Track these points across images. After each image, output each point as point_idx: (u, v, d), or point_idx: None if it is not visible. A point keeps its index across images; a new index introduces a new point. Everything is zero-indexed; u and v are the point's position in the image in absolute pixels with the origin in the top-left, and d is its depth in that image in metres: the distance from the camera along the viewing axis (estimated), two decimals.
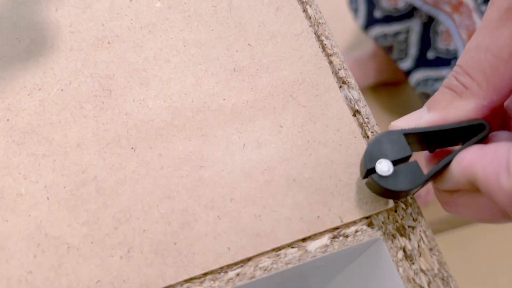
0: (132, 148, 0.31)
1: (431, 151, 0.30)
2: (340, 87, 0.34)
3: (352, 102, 0.33)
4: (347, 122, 0.32)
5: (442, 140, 0.29)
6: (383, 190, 0.28)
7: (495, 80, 0.25)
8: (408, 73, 1.04)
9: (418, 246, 0.30)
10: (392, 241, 0.30)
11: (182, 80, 0.33)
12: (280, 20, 0.36)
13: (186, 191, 0.30)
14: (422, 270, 0.29)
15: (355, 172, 0.31)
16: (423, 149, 0.30)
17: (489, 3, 0.25)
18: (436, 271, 0.29)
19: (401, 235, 0.30)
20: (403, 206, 0.31)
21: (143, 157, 0.31)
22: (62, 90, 0.32)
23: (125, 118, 0.32)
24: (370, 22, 1.09)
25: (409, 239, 0.30)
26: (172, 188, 0.30)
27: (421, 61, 1.00)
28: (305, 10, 0.37)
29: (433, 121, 0.27)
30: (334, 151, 0.32)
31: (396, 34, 1.06)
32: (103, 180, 0.30)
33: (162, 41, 0.34)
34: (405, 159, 0.28)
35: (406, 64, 1.04)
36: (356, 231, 0.30)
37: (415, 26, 1.01)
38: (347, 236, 0.30)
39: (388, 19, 1.05)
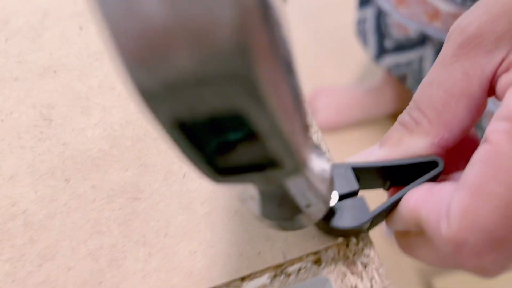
0: (66, 179, 0.29)
1: (386, 189, 0.27)
2: None
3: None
4: None
5: (396, 177, 0.26)
6: (328, 228, 0.25)
7: (447, 116, 0.23)
8: None
9: (371, 286, 0.26)
10: (341, 280, 0.26)
11: (125, 107, 0.31)
12: None
13: (118, 226, 0.27)
14: None
15: None
16: (377, 187, 0.27)
17: (446, 38, 0.23)
18: None
19: (352, 273, 0.26)
20: (355, 240, 0.27)
21: (76, 189, 0.28)
22: (2, 120, 0.30)
23: (62, 148, 0.29)
24: (381, 52, 1.05)
25: (361, 277, 0.26)
26: (103, 222, 0.27)
27: None
28: None
29: (382, 157, 0.25)
30: None
31: (410, 63, 1.02)
32: (32, 213, 0.27)
33: (108, 68, 0.32)
34: (352, 194, 0.25)
35: None
36: (300, 269, 0.26)
37: (428, 53, 0.97)
38: (289, 275, 0.26)
39: (400, 48, 1.01)
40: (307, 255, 0.26)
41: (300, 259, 0.26)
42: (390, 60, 1.03)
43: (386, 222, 0.26)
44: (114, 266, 0.26)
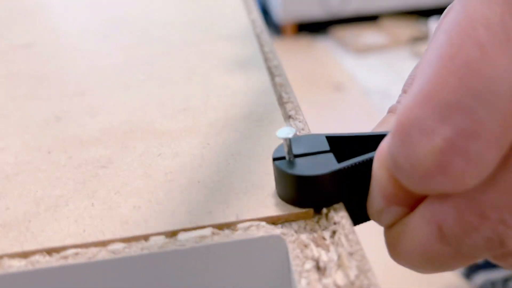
0: (49, 152, 0.28)
1: None
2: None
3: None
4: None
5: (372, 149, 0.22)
6: (289, 184, 0.21)
7: None
8: None
9: (338, 257, 0.19)
10: (301, 251, 0.20)
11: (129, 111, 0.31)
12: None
13: (74, 183, 0.25)
14: (337, 286, 0.18)
15: (268, 178, 0.23)
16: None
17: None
18: (353, 278, 0.18)
19: (317, 245, 0.20)
20: (326, 212, 0.21)
21: (53, 157, 0.27)
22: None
23: (59, 132, 0.29)
24: (472, 268, 0.94)
25: (328, 250, 0.20)
26: (62, 180, 0.25)
27: None
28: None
29: None
30: (258, 163, 0.25)
31: (506, 280, 0.90)
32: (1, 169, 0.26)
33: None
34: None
35: None
36: (250, 226, 0.21)
37: None
38: (236, 230, 0.21)
39: (492, 263, 0.90)
40: (264, 220, 0.21)
41: (253, 221, 0.21)
42: (482, 277, 0.91)
43: (368, 207, 0.21)
44: (51, 211, 0.23)
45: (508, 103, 0.15)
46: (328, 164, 0.21)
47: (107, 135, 0.29)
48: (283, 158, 0.22)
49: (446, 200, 0.17)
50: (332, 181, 0.21)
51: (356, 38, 2.66)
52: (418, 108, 0.16)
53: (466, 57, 0.15)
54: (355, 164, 0.21)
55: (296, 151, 0.22)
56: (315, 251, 0.20)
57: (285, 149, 0.21)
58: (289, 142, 0.21)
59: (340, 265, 0.19)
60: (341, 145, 0.23)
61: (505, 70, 0.14)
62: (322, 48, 2.66)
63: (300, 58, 2.55)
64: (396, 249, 0.20)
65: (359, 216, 0.22)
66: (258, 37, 0.42)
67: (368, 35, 2.69)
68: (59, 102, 0.34)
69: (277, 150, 0.22)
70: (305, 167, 0.21)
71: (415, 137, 0.16)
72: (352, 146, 0.23)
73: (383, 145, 0.19)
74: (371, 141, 0.22)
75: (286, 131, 0.21)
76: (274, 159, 0.22)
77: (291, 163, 0.21)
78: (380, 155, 0.19)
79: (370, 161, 0.20)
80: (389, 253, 0.21)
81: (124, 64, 0.40)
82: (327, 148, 0.22)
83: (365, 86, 2.23)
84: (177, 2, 0.54)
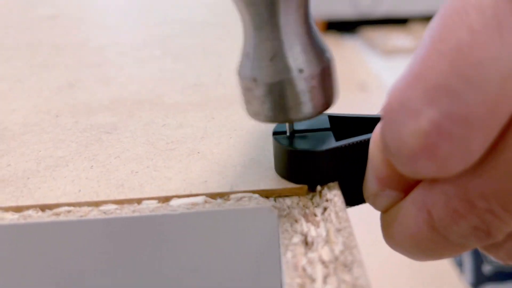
0: (57, 115, 0.28)
1: None
2: None
3: None
4: None
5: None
6: (286, 158, 0.20)
7: None
8: None
9: (327, 233, 0.18)
10: (291, 225, 0.19)
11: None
12: None
13: (77, 146, 0.25)
14: (322, 261, 0.17)
15: (268, 155, 0.23)
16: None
17: None
18: (337, 253, 0.17)
19: (307, 221, 0.19)
20: (320, 189, 0.21)
21: (60, 121, 0.27)
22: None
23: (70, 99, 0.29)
24: (480, 280, 0.92)
25: (317, 226, 0.19)
26: (66, 142, 0.25)
27: None
28: None
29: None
30: (259, 139, 0.24)
31: None
32: (10, 128, 0.26)
33: None
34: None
35: None
36: (242, 198, 0.20)
37: None
38: (228, 199, 0.20)
39: (501, 276, 0.88)
40: (258, 192, 0.21)
41: (247, 193, 0.20)
42: None
43: (364, 190, 0.20)
44: (50, 170, 0.23)
45: (497, 89, 0.14)
46: (326, 141, 0.20)
47: (116, 103, 0.29)
48: (283, 133, 0.21)
49: (436, 186, 0.17)
50: (328, 158, 0.20)
51: (384, 39, 2.62)
52: (406, 89, 0.15)
53: (457, 40, 0.14)
54: (353, 143, 0.20)
55: (297, 127, 0.21)
56: (304, 226, 0.19)
57: (287, 126, 0.21)
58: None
59: (327, 240, 0.18)
60: (343, 125, 0.22)
61: (495, 55, 0.14)
62: (350, 47, 2.63)
63: None
64: (389, 233, 0.20)
65: (355, 198, 0.21)
66: None
67: (396, 37, 2.64)
68: (75, 71, 0.34)
69: (278, 125, 0.22)
70: (303, 143, 0.20)
71: (402, 118, 0.15)
72: (354, 127, 0.22)
73: (378, 127, 0.18)
74: (374, 123, 0.21)
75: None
76: (274, 133, 0.21)
77: (290, 138, 0.21)
78: (375, 137, 0.19)
79: (367, 142, 0.20)
80: (383, 237, 0.21)
81: (142, 41, 0.40)
82: (328, 126, 0.21)
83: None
84: None
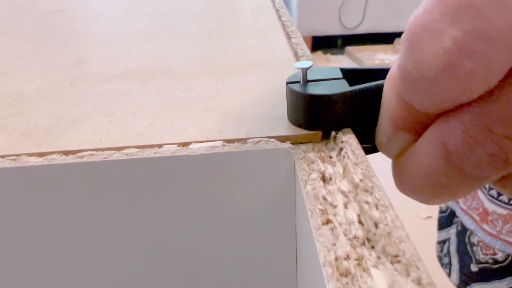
0: (71, 83, 0.28)
1: None
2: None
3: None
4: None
5: None
6: (300, 104, 0.21)
7: None
8: None
9: (344, 169, 0.19)
10: (308, 165, 0.20)
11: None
12: None
13: (94, 105, 0.25)
14: (341, 191, 0.18)
15: (280, 107, 0.23)
16: None
17: None
18: (357, 181, 0.18)
19: (324, 162, 0.20)
20: (334, 135, 0.21)
21: (81, 89, 0.28)
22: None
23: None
24: (465, 281, 0.92)
25: (334, 165, 0.20)
26: (83, 103, 0.26)
27: None
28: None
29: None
30: (270, 97, 0.25)
31: None
32: (28, 93, 0.27)
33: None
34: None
35: None
36: (259, 141, 0.21)
37: None
38: (246, 142, 0.21)
39: (487, 275, 0.88)
40: (275, 137, 0.21)
41: (265, 137, 0.21)
42: None
43: (377, 137, 0.21)
44: (69, 124, 0.23)
45: None
46: (340, 87, 0.21)
47: (128, 73, 0.29)
48: (297, 83, 0.22)
49: (452, 118, 0.17)
50: (342, 103, 0.21)
51: (371, 57, 2.66)
52: (428, 13, 0.16)
53: None
54: (366, 88, 0.21)
55: (310, 77, 0.22)
56: (321, 165, 0.20)
57: (300, 76, 0.22)
58: (305, 71, 0.21)
59: (345, 176, 0.19)
60: (355, 76, 0.23)
61: None
62: (336, 65, 2.67)
63: None
64: (402, 176, 0.20)
65: (367, 146, 0.22)
66: (277, 10, 0.42)
67: (383, 55, 2.69)
68: (85, 50, 0.35)
69: (292, 76, 0.22)
70: (318, 89, 0.21)
71: (424, 39, 0.16)
72: (367, 77, 0.23)
73: (394, 66, 0.19)
74: (385, 73, 0.22)
75: (303, 63, 0.21)
76: (288, 83, 0.22)
77: (304, 86, 0.21)
78: (390, 77, 0.19)
79: (381, 88, 0.20)
80: (395, 183, 0.21)
81: (148, 26, 0.40)
82: (340, 76, 0.22)
83: None
84: None
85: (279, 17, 0.41)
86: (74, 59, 0.33)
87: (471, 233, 0.88)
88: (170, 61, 0.31)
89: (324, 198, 0.18)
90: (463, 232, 0.88)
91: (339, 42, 2.88)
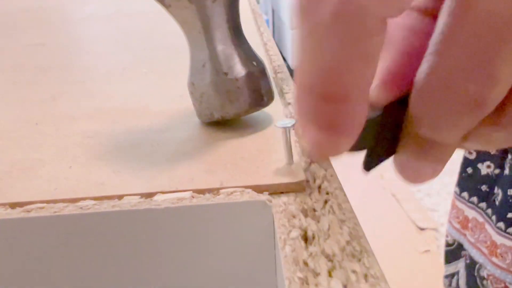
0: (37, 124, 0.25)
1: None
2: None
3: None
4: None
5: None
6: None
7: None
8: None
9: (329, 226, 0.16)
10: (288, 221, 0.17)
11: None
12: None
13: (57, 149, 0.22)
14: (324, 254, 0.15)
15: (259, 154, 0.21)
16: None
17: None
18: (343, 243, 0.15)
19: (306, 216, 0.17)
20: (319, 183, 0.19)
21: (46, 129, 0.25)
22: None
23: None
24: None
25: (318, 221, 0.17)
26: (45, 147, 0.23)
27: None
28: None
29: None
30: (251, 140, 0.22)
31: None
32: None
33: None
34: None
35: None
36: (233, 192, 0.18)
37: None
38: (218, 194, 0.18)
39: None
40: (250, 188, 0.18)
41: (241, 187, 0.18)
42: None
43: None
44: (25, 171, 0.20)
45: None
46: None
47: (99, 113, 0.27)
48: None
49: None
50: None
51: None
52: None
53: None
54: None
55: None
56: (303, 221, 0.17)
57: (283, 138, 0.19)
58: (288, 131, 0.19)
59: (330, 234, 0.16)
60: None
61: None
62: None
63: None
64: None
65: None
66: (265, 44, 0.40)
67: None
68: (59, 87, 0.32)
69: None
70: None
71: None
72: None
73: None
74: None
75: (285, 122, 0.19)
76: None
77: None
78: None
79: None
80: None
81: (130, 62, 0.38)
82: None
83: None
84: None
85: (266, 50, 0.38)
86: (45, 96, 0.30)
87: (480, 266, 0.84)
88: (147, 98, 0.29)
89: (305, 263, 0.15)
90: (472, 265, 0.84)
91: None
